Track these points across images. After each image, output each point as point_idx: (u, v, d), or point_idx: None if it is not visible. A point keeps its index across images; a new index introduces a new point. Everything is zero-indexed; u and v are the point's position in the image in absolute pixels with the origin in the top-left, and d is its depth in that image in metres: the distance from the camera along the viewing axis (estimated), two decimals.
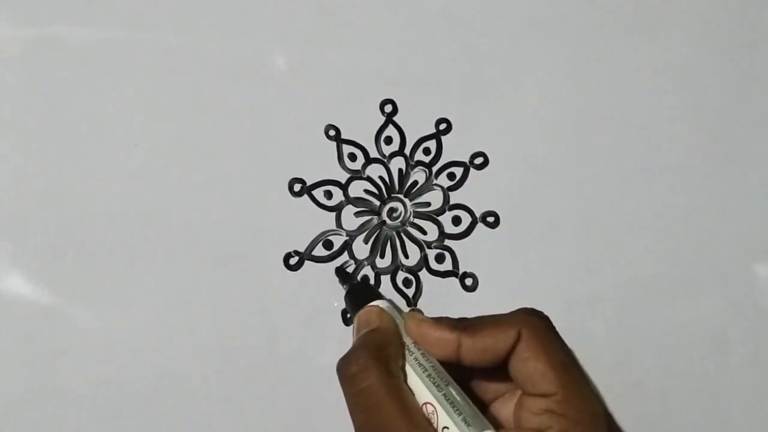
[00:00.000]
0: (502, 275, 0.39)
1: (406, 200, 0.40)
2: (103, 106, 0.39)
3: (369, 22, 0.41)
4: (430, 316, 0.38)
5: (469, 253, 0.39)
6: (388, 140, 0.40)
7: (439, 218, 0.40)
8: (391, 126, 0.40)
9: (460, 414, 0.29)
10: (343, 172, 0.39)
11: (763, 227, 0.41)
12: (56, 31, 0.40)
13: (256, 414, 0.37)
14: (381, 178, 0.40)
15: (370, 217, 0.39)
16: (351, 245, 0.39)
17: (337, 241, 0.39)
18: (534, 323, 0.31)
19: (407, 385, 0.31)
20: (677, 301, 0.40)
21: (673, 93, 0.42)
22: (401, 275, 0.39)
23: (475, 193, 0.40)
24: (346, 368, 0.31)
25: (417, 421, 0.29)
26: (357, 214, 0.39)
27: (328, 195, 0.39)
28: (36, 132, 0.39)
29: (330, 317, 0.38)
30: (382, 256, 0.39)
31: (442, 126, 0.40)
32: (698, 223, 0.40)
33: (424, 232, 0.39)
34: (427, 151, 0.40)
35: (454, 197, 0.40)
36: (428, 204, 0.40)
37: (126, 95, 0.39)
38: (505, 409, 0.33)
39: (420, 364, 0.31)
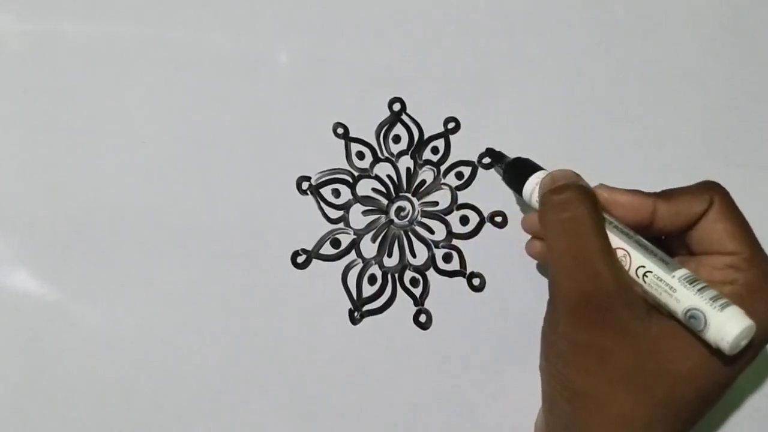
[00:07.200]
0: (509, 275, 0.39)
1: (414, 199, 0.40)
2: (109, 103, 0.39)
3: (378, 20, 0.41)
4: (437, 316, 0.38)
5: (476, 252, 0.39)
6: (396, 139, 0.40)
7: (447, 218, 0.40)
8: (399, 124, 0.40)
9: (656, 255, 0.31)
10: (351, 170, 0.39)
11: (763, 229, 0.41)
12: (61, 27, 0.39)
13: (262, 412, 0.37)
14: (389, 176, 0.40)
15: (377, 216, 0.39)
16: (359, 244, 0.39)
17: (345, 240, 0.39)
18: (723, 191, 0.33)
19: None
20: None
21: (680, 93, 0.42)
22: (408, 274, 0.39)
23: (482, 193, 0.40)
24: (557, 195, 0.32)
25: (617, 259, 0.31)
26: (365, 213, 0.39)
27: (336, 193, 0.39)
28: (42, 128, 0.38)
29: (337, 316, 0.38)
30: (390, 255, 0.39)
31: (451, 125, 0.40)
32: None
33: (431, 232, 0.39)
34: (435, 150, 0.40)
35: (462, 197, 0.40)
36: (436, 203, 0.40)
37: (133, 92, 0.39)
38: None
39: (606, 219, 0.33)
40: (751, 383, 0.40)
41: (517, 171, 0.36)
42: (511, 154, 0.40)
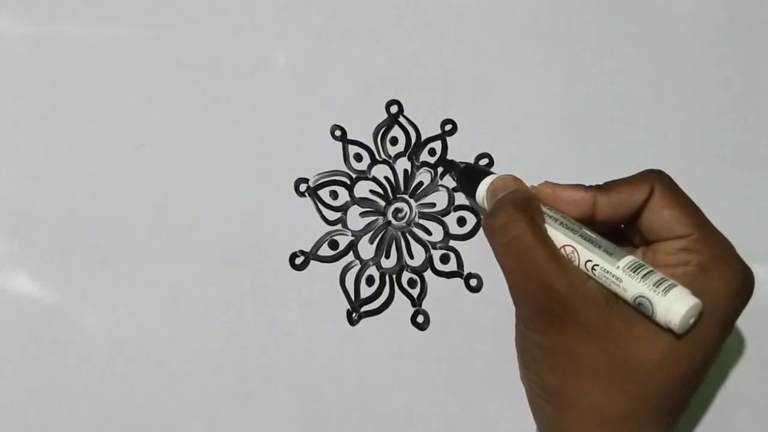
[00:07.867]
0: None
1: (412, 201, 0.40)
2: (109, 105, 0.39)
3: (376, 23, 0.41)
4: (434, 317, 0.39)
5: (473, 253, 0.39)
6: (394, 141, 0.40)
7: (444, 219, 0.40)
8: (396, 127, 0.40)
9: (600, 247, 0.31)
10: (349, 172, 0.40)
11: (763, 228, 0.41)
12: (63, 29, 0.40)
13: (261, 413, 0.37)
14: (386, 178, 0.40)
15: (375, 217, 0.40)
16: (356, 245, 0.39)
17: (343, 241, 0.39)
18: (666, 179, 0.33)
19: None
20: None
21: (678, 95, 0.42)
22: (406, 275, 0.39)
23: None
24: (495, 220, 0.33)
25: (563, 261, 0.31)
26: (362, 215, 0.39)
27: (334, 195, 0.39)
28: (43, 130, 0.39)
29: (335, 317, 0.38)
30: (387, 257, 0.39)
31: (448, 127, 0.40)
32: None
33: (429, 233, 0.40)
34: (432, 152, 0.40)
35: (459, 198, 0.40)
36: (433, 205, 0.40)
37: (133, 94, 0.39)
38: None
39: (551, 216, 0.33)
40: (749, 382, 0.40)
41: (468, 178, 0.37)
42: (510, 156, 0.40)
